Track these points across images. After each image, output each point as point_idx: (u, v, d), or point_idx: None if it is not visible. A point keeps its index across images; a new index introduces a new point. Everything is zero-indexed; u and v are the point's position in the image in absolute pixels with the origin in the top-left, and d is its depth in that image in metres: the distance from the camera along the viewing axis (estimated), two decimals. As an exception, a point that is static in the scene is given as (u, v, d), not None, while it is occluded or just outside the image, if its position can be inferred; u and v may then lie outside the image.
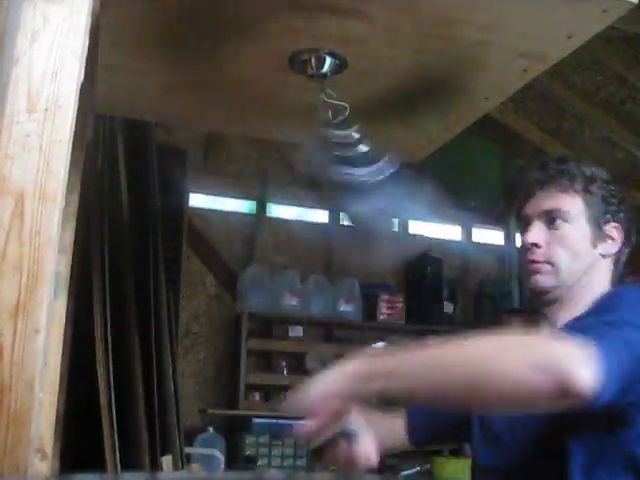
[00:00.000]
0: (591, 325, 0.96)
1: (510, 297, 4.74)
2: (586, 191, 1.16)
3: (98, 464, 2.22)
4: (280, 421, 4.02)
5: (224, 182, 4.45)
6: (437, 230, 4.89)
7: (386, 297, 4.67)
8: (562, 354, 0.84)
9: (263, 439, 3.96)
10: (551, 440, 1.07)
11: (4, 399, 0.66)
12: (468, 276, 4.94)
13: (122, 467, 2.28)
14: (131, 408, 2.55)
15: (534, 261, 1.16)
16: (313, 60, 1.40)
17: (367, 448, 1.01)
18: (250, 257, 4.43)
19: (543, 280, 1.15)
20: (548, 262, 1.15)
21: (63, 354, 1.26)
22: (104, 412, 2.29)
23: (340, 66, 1.42)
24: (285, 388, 4.36)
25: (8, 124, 0.71)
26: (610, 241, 1.17)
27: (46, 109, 0.73)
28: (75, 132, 0.75)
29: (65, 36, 0.75)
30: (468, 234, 5.02)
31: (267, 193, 4.53)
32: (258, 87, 1.57)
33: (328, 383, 0.97)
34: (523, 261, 1.20)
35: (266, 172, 4.53)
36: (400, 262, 4.85)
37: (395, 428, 1.33)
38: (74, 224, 1.26)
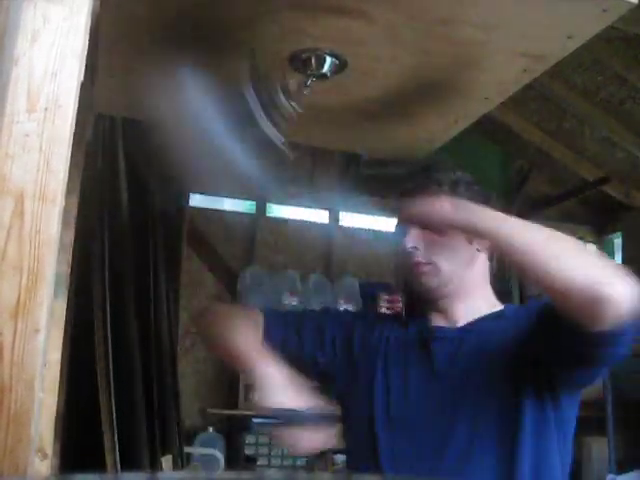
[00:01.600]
0: None
1: (510, 297, 4.75)
2: (453, 193, 1.26)
3: (98, 464, 2.22)
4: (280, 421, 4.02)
5: (224, 182, 4.44)
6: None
7: (385, 297, 4.67)
8: (618, 275, 0.98)
9: (263, 439, 3.96)
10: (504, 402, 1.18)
11: (4, 399, 0.66)
12: (468, 276, 4.94)
13: (122, 467, 2.28)
14: (131, 408, 2.55)
15: (417, 263, 1.26)
16: (313, 60, 1.40)
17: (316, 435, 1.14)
18: (250, 257, 4.43)
19: (428, 280, 1.26)
20: (429, 263, 1.26)
21: (63, 354, 1.26)
22: (104, 412, 2.29)
23: (340, 66, 1.42)
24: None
25: (8, 124, 0.71)
26: None
27: (46, 109, 0.73)
28: (75, 132, 0.75)
29: (65, 36, 0.75)
30: (468, 234, 5.02)
31: (267, 193, 4.53)
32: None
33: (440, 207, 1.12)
34: (406, 266, 1.29)
35: (266, 172, 4.52)
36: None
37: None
38: (74, 224, 1.26)
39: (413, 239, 1.26)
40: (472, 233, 1.19)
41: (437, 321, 1.31)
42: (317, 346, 1.36)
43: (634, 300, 0.95)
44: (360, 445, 1.31)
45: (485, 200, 1.28)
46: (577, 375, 1.16)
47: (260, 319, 1.35)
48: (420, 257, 1.26)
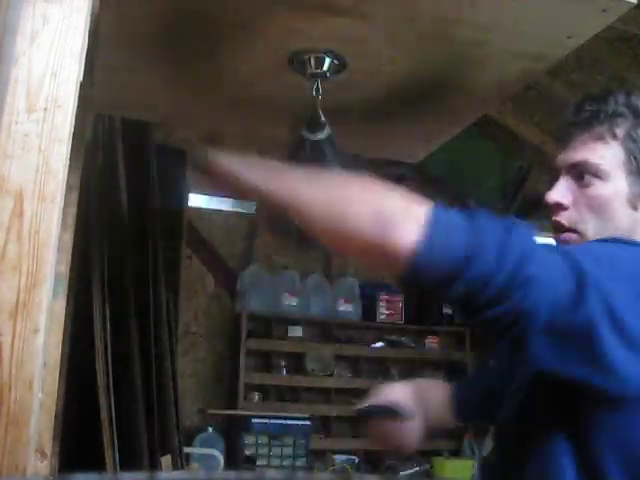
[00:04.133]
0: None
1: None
2: (629, 137, 0.95)
3: (97, 464, 2.22)
4: (279, 421, 4.02)
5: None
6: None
7: (385, 297, 4.67)
8: (398, 208, 0.80)
9: (262, 439, 3.96)
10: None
11: (3, 399, 0.66)
12: (468, 276, 4.94)
13: (121, 467, 2.28)
14: (130, 408, 2.55)
15: (558, 225, 0.99)
16: (313, 60, 1.40)
17: (412, 432, 0.98)
18: (250, 257, 4.43)
19: None
20: (574, 230, 0.98)
21: (63, 354, 1.26)
22: (104, 412, 2.29)
23: (340, 66, 1.42)
24: (284, 388, 4.36)
25: (7, 124, 0.71)
26: None
27: (45, 109, 0.73)
28: (74, 132, 0.75)
29: (64, 36, 0.75)
30: (468, 234, 5.02)
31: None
32: (257, 87, 1.57)
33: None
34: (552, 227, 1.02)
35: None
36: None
37: (445, 402, 1.21)
38: (74, 224, 1.26)
39: (559, 193, 0.99)
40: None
41: None
42: None
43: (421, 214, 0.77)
44: None
45: None
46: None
47: None
48: (564, 219, 0.99)
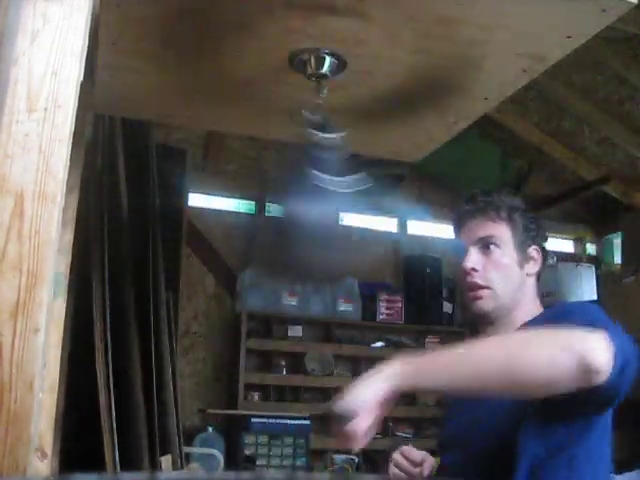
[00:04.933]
0: (590, 322, 1.04)
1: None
2: (510, 219, 1.30)
3: (98, 464, 2.22)
4: (279, 421, 4.02)
5: (224, 182, 4.45)
6: (437, 230, 4.88)
7: (385, 297, 4.67)
8: (582, 338, 0.98)
9: (262, 439, 3.96)
10: (506, 437, 1.14)
11: (4, 399, 0.66)
12: (468, 276, 4.93)
13: (121, 467, 2.28)
14: (130, 408, 2.55)
15: (475, 285, 1.27)
16: (313, 60, 1.40)
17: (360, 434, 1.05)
18: (250, 257, 4.43)
19: (485, 304, 1.27)
20: (487, 287, 1.27)
21: (63, 354, 1.26)
22: (104, 412, 2.29)
23: (340, 66, 1.42)
24: (284, 388, 4.36)
25: (8, 123, 0.71)
26: (532, 262, 1.30)
27: (45, 108, 0.72)
28: (74, 131, 0.75)
29: (65, 36, 0.75)
30: (468, 234, 5.01)
31: (267, 193, 4.53)
32: (258, 87, 1.57)
33: (376, 384, 1.04)
34: (463, 287, 1.31)
35: (266, 172, 4.53)
36: (399, 261, 4.86)
37: None
38: (74, 224, 1.25)
39: (473, 260, 1.28)
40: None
41: None
42: None
43: (610, 348, 0.97)
44: None
45: (538, 227, 1.33)
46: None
47: None
48: (479, 279, 1.28)
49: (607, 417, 1.16)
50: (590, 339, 0.97)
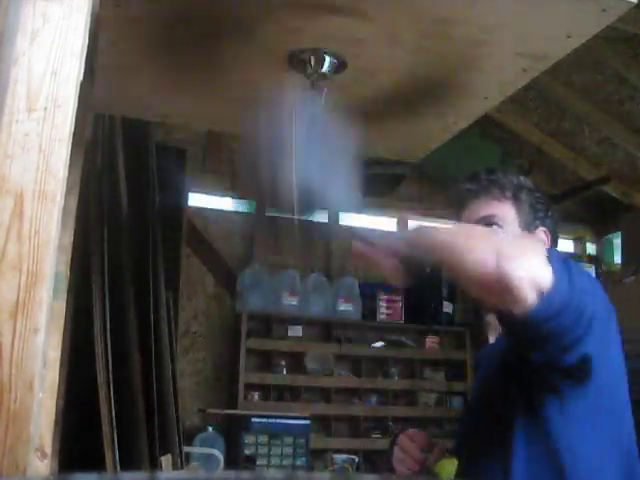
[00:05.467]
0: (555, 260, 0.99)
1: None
2: (515, 198, 1.26)
3: (97, 463, 2.22)
4: (279, 420, 4.02)
5: (224, 182, 4.45)
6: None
7: (385, 297, 4.67)
8: (519, 254, 0.93)
9: (262, 438, 3.96)
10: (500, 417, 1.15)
11: (4, 399, 0.66)
12: (468, 276, 4.93)
13: (121, 466, 2.28)
14: (130, 407, 2.55)
15: None
16: (313, 60, 1.40)
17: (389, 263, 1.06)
18: (250, 257, 4.43)
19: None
20: None
21: (63, 354, 1.26)
22: (104, 411, 2.29)
23: (340, 66, 1.42)
24: (284, 388, 4.36)
25: (7, 123, 0.71)
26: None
27: (45, 108, 0.72)
28: (74, 131, 0.75)
29: (65, 35, 0.75)
30: (468, 234, 5.01)
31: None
32: (258, 87, 1.57)
33: (397, 239, 1.07)
34: None
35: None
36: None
37: None
38: (73, 224, 1.25)
39: None
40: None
41: (491, 337, 1.35)
42: None
43: (538, 272, 0.91)
44: None
45: (546, 208, 1.28)
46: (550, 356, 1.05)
47: None
48: None
49: (595, 401, 1.08)
50: (526, 257, 0.93)
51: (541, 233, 1.26)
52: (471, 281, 0.98)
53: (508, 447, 1.10)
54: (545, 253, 0.96)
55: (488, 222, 1.24)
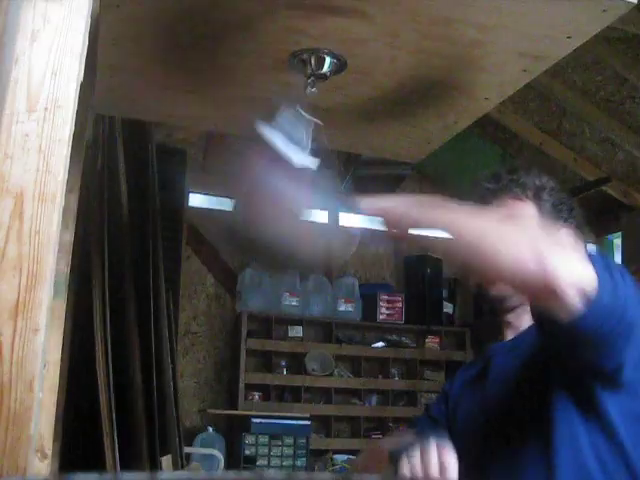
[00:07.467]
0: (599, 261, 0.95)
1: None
2: (537, 198, 1.22)
3: (98, 464, 2.22)
4: (279, 421, 4.02)
5: (224, 182, 4.45)
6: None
7: (385, 297, 4.67)
8: (564, 257, 0.88)
9: (262, 439, 3.97)
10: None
11: (4, 399, 0.66)
12: (468, 276, 4.94)
13: (122, 467, 2.28)
14: (131, 408, 2.55)
15: None
16: (313, 60, 1.39)
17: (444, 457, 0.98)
18: (250, 257, 4.43)
19: (504, 288, 1.15)
20: None
21: (63, 354, 1.26)
22: (104, 412, 2.29)
23: (340, 66, 1.42)
24: (285, 388, 4.36)
25: (7, 124, 0.71)
26: None
27: (45, 109, 0.72)
28: (75, 132, 0.75)
29: (65, 36, 0.75)
30: (468, 234, 5.01)
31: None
32: (258, 87, 1.57)
33: (395, 203, 1.02)
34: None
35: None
36: (400, 261, 4.86)
37: None
38: (74, 224, 1.26)
39: None
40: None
41: (509, 336, 1.26)
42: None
43: (583, 273, 0.86)
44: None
45: (570, 209, 1.25)
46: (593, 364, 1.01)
47: None
48: None
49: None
50: (572, 259, 0.88)
51: (564, 234, 1.21)
52: (505, 279, 0.94)
53: (548, 450, 1.06)
54: (585, 252, 0.92)
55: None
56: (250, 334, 4.28)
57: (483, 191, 1.26)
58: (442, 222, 0.98)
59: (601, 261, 0.92)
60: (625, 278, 0.94)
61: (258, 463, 3.90)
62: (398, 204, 1.03)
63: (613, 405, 1.04)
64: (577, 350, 0.95)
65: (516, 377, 1.16)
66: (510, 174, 1.25)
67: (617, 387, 1.01)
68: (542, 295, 0.87)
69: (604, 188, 4.54)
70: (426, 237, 1.04)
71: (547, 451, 1.06)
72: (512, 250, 0.89)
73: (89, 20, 0.79)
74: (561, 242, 0.95)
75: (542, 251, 0.86)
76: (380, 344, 4.68)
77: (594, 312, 0.86)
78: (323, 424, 4.40)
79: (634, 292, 0.94)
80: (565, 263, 0.86)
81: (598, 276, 0.87)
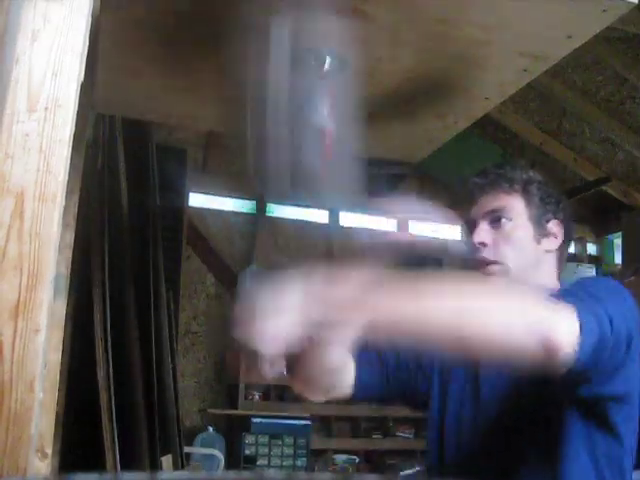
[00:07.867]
0: (574, 293, 0.95)
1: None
2: (525, 191, 1.22)
3: (98, 464, 2.22)
4: (280, 421, 4.02)
5: (224, 182, 4.45)
6: (437, 230, 4.88)
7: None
8: (549, 315, 0.86)
9: (262, 439, 3.97)
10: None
11: (4, 399, 0.66)
12: (468, 276, 4.94)
13: (122, 467, 2.28)
14: (131, 408, 2.55)
15: (484, 261, 1.18)
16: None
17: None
18: (250, 257, 4.43)
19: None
20: (497, 262, 1.18)
21: (63, 354, 1.26)
22: (104, 412, 2.29)
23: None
24: (285, 388, 4.36)
25: (8, 123, 0.71)
26: (552, 237, 1.21)
27: (46, 108, 0.72)
28: (75, 132, 0.75)
29: (65, 36, 0.75)
30: (468, 234, 5.02)
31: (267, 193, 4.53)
32: (257, 87, 1.57)
33: (285, 325, 0.77)
34: (472, 264, 1.21)
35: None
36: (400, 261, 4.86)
37: (347, 369, 1.19)
38: (74, 224, 1.26)
39: (482, 234, 1.19)
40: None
41: None
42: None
43: (577, 329, 0.86)
44: (429, 446, 1.25)
45: (558, 201, 1.24)
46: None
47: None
48: (488, 254, 1.18)
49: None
50: (555, 314, 0.86)
51: (553, 226, 1.21)
52: (495, 352, 0.87)
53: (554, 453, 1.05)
54: (558, 295, 0.91)
55: (497, 215, 1.20)
56: (250, 334, 4.28)
57: (471, 186, 1.25)
58: (409, 312, 0.81)
59: (575, 294, 0.92)
60: (608, 300, 0.94)
61: (258, 463, 3.90)
62: (350, 289, 0.79)
63: (617, 414, 1.05)
64: (583, 382, 0.96)
65: (513, 382, 1.14)
66: (497, 169, 1.25)
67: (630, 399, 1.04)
68: (539, 359, 0.85)
69: (604, 188, 4.55)
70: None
71: (554, 466, 1.05)
72: (500, 327, 0.84)
73: (90, 20, 0.79)
74: (540, 299, 0.88)
75: (533, 321, 0.84)
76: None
77: (585, 350, 0.86)
78: (323, 424, 4.40)
79: (620, 310, 0.95)
80: (558, 324, 0.85)
81: (580, 316, 0.87)
